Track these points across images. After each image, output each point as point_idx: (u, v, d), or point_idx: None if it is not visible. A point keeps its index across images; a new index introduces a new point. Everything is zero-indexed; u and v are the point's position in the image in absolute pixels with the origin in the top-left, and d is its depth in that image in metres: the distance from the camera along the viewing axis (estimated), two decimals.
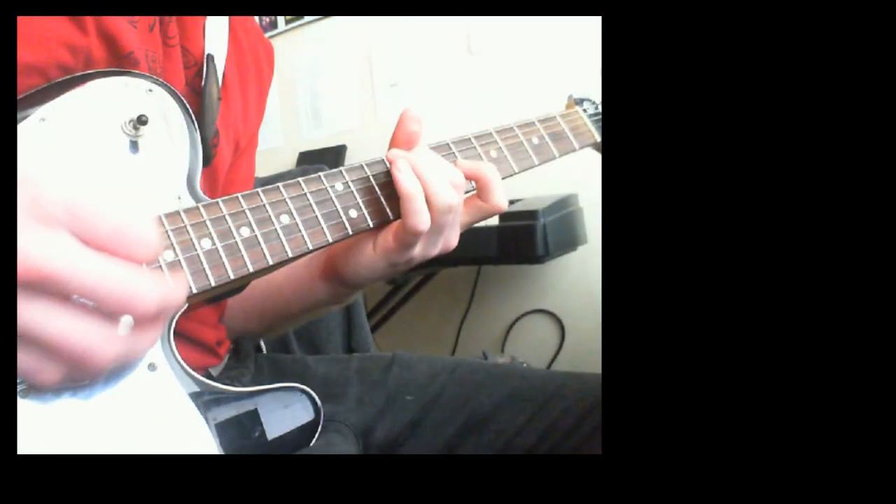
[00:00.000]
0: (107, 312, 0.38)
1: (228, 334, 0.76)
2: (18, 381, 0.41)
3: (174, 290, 0.41)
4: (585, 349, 1.96)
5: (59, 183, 0.38)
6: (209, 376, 0.52)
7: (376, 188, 0.61)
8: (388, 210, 0.61)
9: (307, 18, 2.43)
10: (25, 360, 0.38)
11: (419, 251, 0.62)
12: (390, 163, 0.60)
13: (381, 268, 0.63)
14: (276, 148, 2.51)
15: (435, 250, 0.63)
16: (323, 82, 2.43)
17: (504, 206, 0.65)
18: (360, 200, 0.59)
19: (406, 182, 0.58)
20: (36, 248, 0.36)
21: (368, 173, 0.61)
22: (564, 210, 1.69)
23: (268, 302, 0.77)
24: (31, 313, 0.36)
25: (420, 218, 0.58)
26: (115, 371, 0.44)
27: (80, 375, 0.40)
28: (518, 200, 1.73)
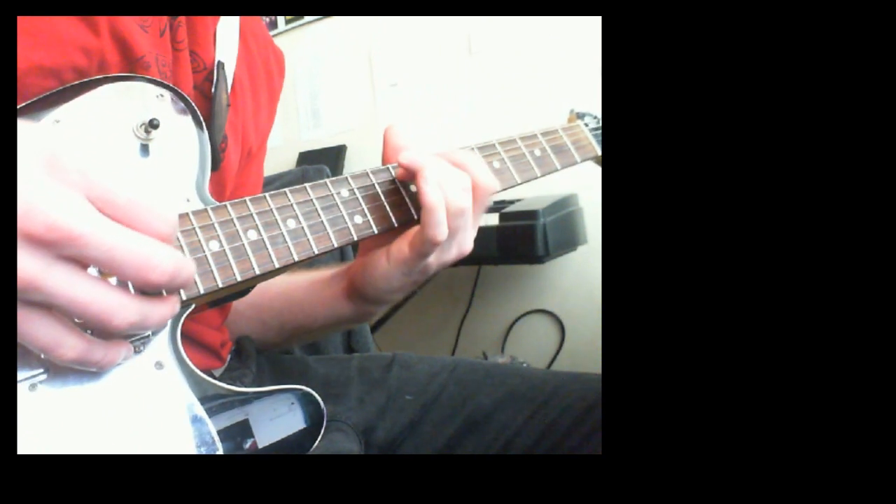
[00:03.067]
0: (122, 279, 0.39)
1: (231, 337, 0.76)
2: (29, 373, 0.42)
3: (187, 262, 0.41)
4: (585, 349, 1.95)
5: (75, 151, 0.38)
6: (212, 377, 0.53)
7: (381, 195, 0.61)
8: (392, 217, 0.61)
9: (307, 18, 2.42)
10: (45, 335, 0.38)
11: (434, 259, 0.62)
12: (416, 172, 0.60)
13: (396, 278, 0.64)
14: (275, 148, 2.50)
15: (450, 256, 0.63)
16: (323, 82, 2.43)
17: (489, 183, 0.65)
18: (364, 207, 0.60)
19: (432, 194, 0.58)
20: (56, 208, 0.35)
21: (374, 181, 0.62)
22: (564, 210, 1.69)
23: (288, 315, 0.77)
24: (56, 278, 0.36)
25: (441, 229, 0.59)
26: (127, 352, 0.44)
27: (95, 354, 0.41)
28: (518, 200, 1.73)
